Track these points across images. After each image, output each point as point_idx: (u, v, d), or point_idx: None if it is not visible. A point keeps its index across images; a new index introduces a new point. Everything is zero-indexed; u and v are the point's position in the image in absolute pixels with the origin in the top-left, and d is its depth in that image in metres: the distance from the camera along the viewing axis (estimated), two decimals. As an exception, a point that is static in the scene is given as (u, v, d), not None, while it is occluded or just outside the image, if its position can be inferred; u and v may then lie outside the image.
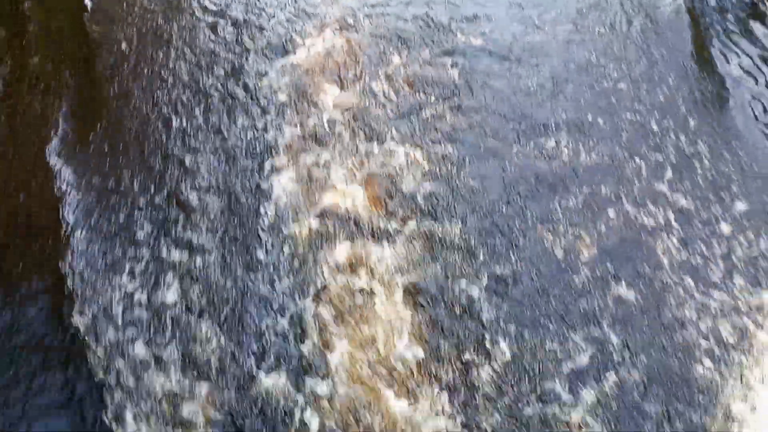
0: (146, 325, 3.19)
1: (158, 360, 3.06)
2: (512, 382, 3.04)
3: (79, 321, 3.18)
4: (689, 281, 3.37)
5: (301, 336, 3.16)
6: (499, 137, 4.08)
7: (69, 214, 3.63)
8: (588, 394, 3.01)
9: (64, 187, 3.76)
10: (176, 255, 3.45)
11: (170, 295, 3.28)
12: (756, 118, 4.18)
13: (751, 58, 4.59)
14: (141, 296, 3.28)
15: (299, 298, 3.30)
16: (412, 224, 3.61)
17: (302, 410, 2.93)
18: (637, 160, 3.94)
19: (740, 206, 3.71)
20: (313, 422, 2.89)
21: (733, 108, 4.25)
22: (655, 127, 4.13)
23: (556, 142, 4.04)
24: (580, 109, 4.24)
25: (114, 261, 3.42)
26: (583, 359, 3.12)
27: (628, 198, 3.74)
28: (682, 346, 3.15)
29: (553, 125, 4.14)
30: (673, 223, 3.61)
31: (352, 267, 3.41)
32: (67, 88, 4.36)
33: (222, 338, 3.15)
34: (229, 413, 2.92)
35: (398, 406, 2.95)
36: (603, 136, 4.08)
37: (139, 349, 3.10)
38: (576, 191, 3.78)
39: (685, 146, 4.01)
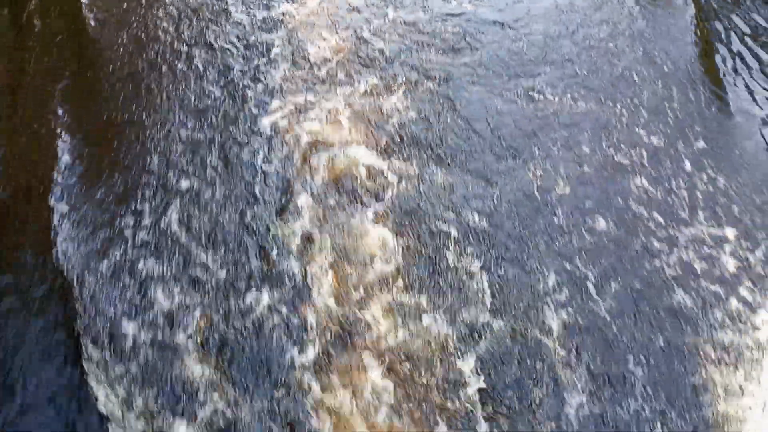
0: (146, 245, 3.40)
1: (157, 278, 3.27)
2: (489, 307, 3.21)
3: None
4: (658, 216, 3.58)
5: (289, 253, 3.37)
6: (487, 86, 4.26)
7: (68, 150, 3.84)
8: (563, 321, 3.18)
9: (64, 126, 3.96)
10: (181, 182, 3.67)
11: (172, 217, 3.49)
12: (725, 65, 4.44)
13: (734, 19, 4.80)
14: (146, 218, 3.51)
15: (287, 218, 3.51)
16: (396, 157, 3.81)
17: (290, 328, 3.12)
18: (618, 105, 4.14)
19: (701, 144, 3.94)
20: (302, 341, 3.08)
21: (708, 59, 4.48)
22: (635, 78, 4.34)
23: (541, 91, 4.24)
24: (567, 64, 4.44)
25: (122, 189, 3.65)
26: (558, 287, 3.29)
27: (606, 140, 3.94)
28: (652, 275, 3.34)
29: (539, 77, 4.34)
30: (645, 162, 3.82)
31: (338, 192, 3.63)
32: (66, 41, 4.51)
33: (216, 257, 3.35)
34: (221, 329, 3.10)
35: (383, 323, 3.16)
36: (586, 86, 4.27)
37: (141, 266, 3.31)
38: (558, 135, 3.97)
39: (660, 92, 4.22)
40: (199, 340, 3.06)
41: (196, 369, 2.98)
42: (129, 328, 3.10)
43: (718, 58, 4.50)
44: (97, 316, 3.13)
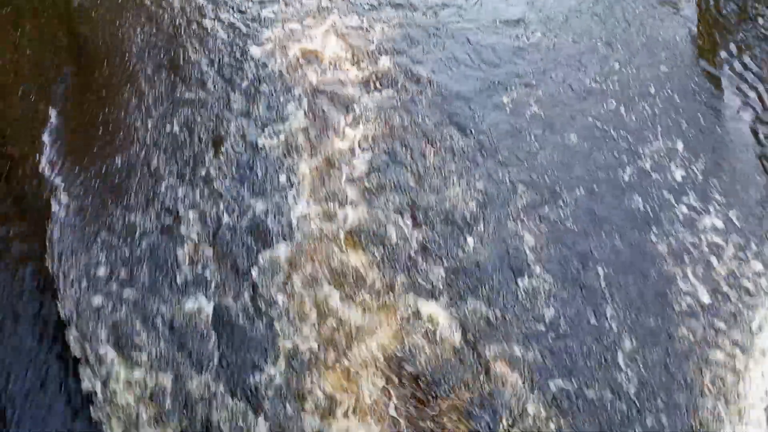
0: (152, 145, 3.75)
1: (161, 174, 3.63)
2: (462, 214, 3.48)
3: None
4: (623, 132, 3.86)
5: (277, 153, 3.71)
6: (472, 23, 4.52)
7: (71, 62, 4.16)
8: (532, 227, 3.43)
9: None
10: (186, 93, 4.03)
11: (176, 123, 3.84)
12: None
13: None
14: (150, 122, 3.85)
15: (276, 119, 3.86)
16: (379, 74, 4.13)
17: (276, 219, 3.45)
18: (593, 40, 4.41)
19: (664, 69, 4.22)
20: (285, 231, 3.41)
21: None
22: (612, 18, 4.59)
23: (525, 29, 4.49)
24: (552, 7, 4.66)
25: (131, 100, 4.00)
26: (528, 195, 3.56)
27: (580, 69, 4.22)
28: (614, 183, 3.64)
29: (523, 17, 4.58)
30: (616, 87, 4.10)
31: (324, 100, 3.96)
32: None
33: (212, 158, 3.70)
34: (216, 220, 3.44)
35: (357, 212, 3.47)
36: (567, 25, 4.53)
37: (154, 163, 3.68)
38: (535, 65, 4.24)
39: (634, 29, 4.50)
40: (196, 230, 3.39)
41: (192, 253, 3.31)
42: (134, 219, 3.42)
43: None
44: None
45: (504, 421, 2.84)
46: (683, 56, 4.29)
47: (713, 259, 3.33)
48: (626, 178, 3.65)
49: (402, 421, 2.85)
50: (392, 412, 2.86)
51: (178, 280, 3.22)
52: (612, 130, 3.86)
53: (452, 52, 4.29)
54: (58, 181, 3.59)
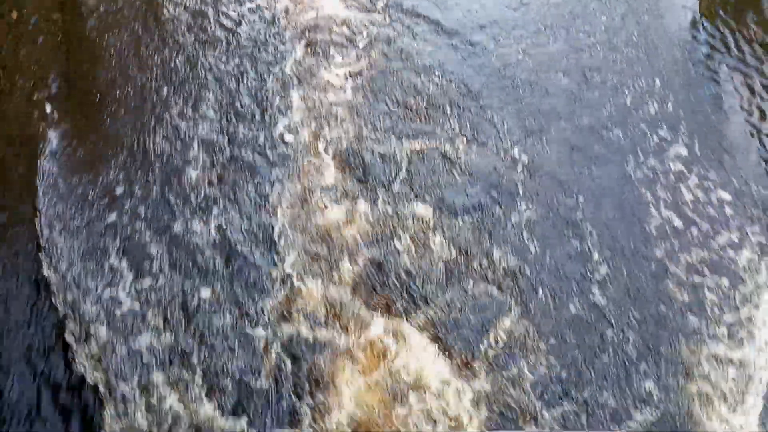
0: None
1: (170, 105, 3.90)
2: (447, 144, 3.68)
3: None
4: (607, 74, 4.09)
5: (276, 84, 4.00)
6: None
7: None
8: (518, 159, 3.61)
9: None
10: (187, 37, 4.31)
11: (178, 62, 4.14)
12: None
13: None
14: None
15: (273, 58, 4.14)
16: (375, 16, 4.41)
17: (273, 145, 3.69)
18: (590, 7, 4.62)
19: (646, 18, 4.47)
20: (282, 157, 3.64)
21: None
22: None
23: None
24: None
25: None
26: (514, 129, 3.74)
27: (569, 20, 4.47)
28: (594, 118, 3.83)
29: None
30: (601, 36, 4.35)
31: (321, 36, 4.28)
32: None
33: (215, 91, 3.96)
34: (221, 150, 3.67)
35: (348, 134, 3.71)
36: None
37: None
38: (527, 18, 4.49)
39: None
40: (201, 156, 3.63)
41: (199, 177, 3.55)
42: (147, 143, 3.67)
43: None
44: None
45: (485, 336, 2.94)
46: (665, 7, 4.52)
47: (681, 186, 3.51)
48: (607, 114, 3.85)
49: (383, 331, 2.97)
50: (375, 323, 2.99)
51: (185, 201, 3.40)
52: (597, 74, 4.08)
53: (446, 5, 4.50)
54: (61, 109, 3.85)
